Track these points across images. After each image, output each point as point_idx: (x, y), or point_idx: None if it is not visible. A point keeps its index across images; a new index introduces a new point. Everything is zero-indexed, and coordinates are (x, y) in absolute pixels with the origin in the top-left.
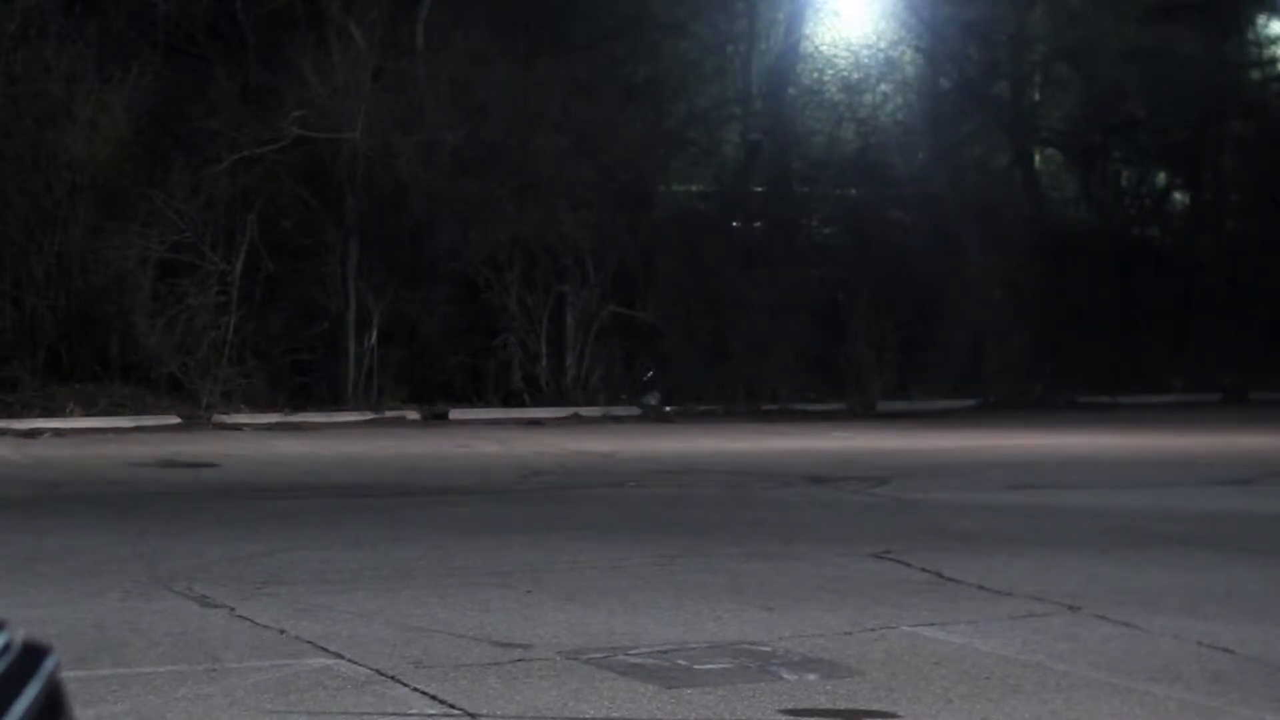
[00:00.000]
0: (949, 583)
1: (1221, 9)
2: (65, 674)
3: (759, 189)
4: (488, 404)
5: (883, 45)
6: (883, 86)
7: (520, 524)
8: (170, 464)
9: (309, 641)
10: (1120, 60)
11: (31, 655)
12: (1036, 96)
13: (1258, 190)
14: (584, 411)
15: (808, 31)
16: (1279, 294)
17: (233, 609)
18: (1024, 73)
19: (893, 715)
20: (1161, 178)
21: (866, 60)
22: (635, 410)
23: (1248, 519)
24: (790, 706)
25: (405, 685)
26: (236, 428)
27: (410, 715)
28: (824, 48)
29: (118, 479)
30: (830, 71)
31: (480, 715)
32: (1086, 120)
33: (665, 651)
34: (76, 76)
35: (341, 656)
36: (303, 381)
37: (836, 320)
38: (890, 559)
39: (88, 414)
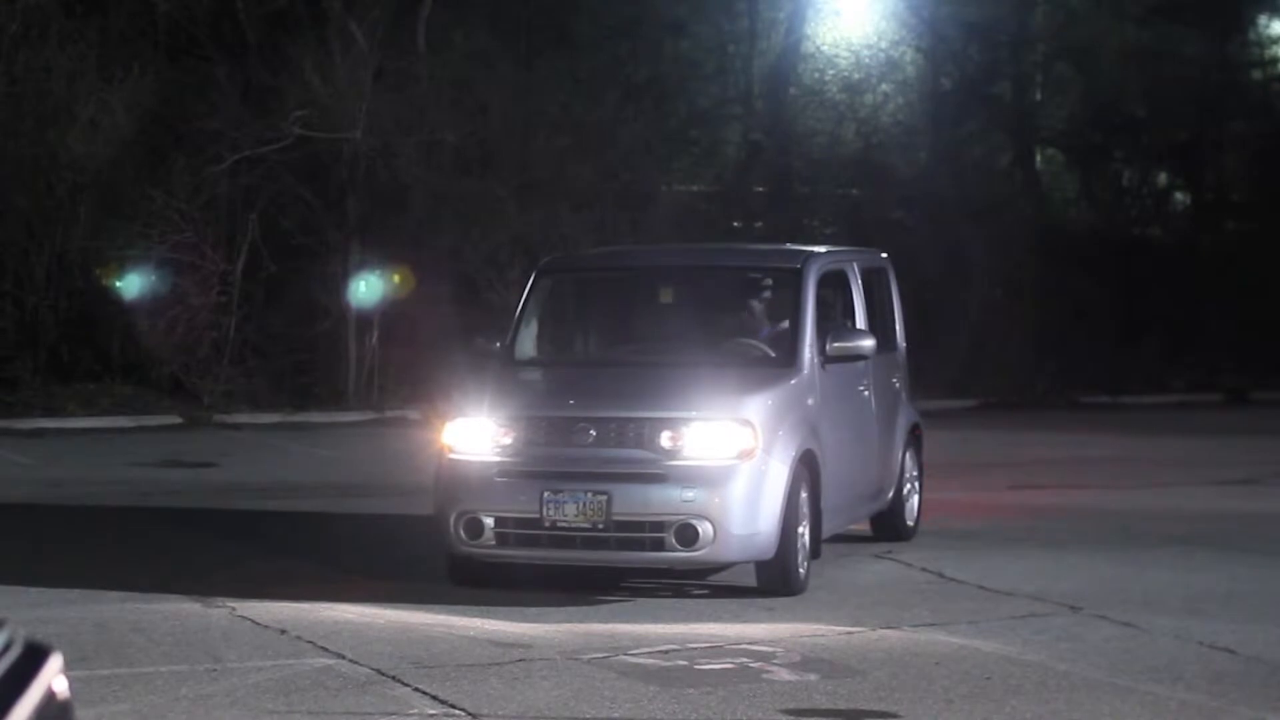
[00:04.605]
0: (949, 583)
1: (1222, 9)
2: (66, 674)
3: (760, 189)
4: None
5: (884, 45)
6: (884, 86)
7: None
8: (171, 464)
9: (310, 641)
10: (1121, 60)
11: (33, 655)
12: (1038, 96)
13: (1258, 190)
14: None
15: (809, 31)
16: (1279, 294)
17: (234, 609)
18: (1025, 73)
19: (893, 715)
20: (1162, 178)
21: (867, 60)
22: None
23: (1248, 519)
24: (790, 706)
25: (406, 685)
26: (237, 427)
27: (411, 715)
28: (825, 48)
29: (118, 479)
30: (831, 71)
31: (481, 715)
32: (1088, 120)
33: (665, 651)
34: (78, 76)
35: (343, 656)
36: (304, 381)
37: None
38: (890, 559)
39: (88, 414)
